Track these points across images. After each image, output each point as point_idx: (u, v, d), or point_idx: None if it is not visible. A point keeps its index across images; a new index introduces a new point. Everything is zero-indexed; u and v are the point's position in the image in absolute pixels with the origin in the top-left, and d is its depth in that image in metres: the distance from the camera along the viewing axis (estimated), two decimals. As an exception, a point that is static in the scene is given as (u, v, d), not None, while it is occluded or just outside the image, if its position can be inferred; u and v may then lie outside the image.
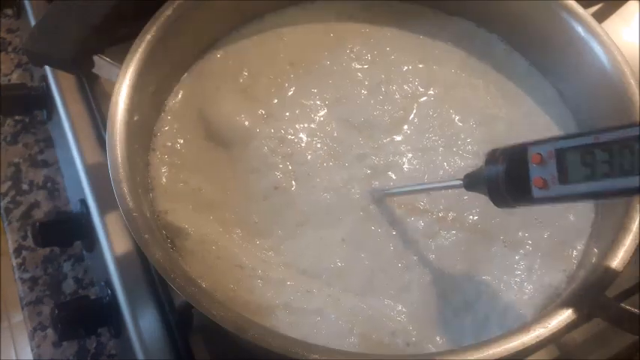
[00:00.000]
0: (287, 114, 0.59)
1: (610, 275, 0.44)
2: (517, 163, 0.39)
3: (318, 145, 0.57)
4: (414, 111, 0.60)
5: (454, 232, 0.52)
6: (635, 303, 0.51)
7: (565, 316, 0.42)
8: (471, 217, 0.53)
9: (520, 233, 0.53)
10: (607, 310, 0.44)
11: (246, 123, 0.57)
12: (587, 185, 0.36)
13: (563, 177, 0.37)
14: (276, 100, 0.60)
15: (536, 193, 0.38)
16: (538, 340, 0.41)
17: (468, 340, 0.46)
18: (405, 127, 0.59)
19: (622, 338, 0.55)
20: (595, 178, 0.35)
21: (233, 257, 0.50)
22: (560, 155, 0.37)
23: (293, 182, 0.55)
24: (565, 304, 0.43)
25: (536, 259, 0.51)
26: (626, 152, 0.33)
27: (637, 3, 0.77)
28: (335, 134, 0.58)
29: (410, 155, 0.57)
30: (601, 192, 0.35)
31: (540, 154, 0.38)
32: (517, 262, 0.51)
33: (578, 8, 0.57)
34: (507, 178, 0.40)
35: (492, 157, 0.42)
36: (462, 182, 0.45)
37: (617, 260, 0.44)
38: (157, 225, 0.50)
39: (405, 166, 0.56)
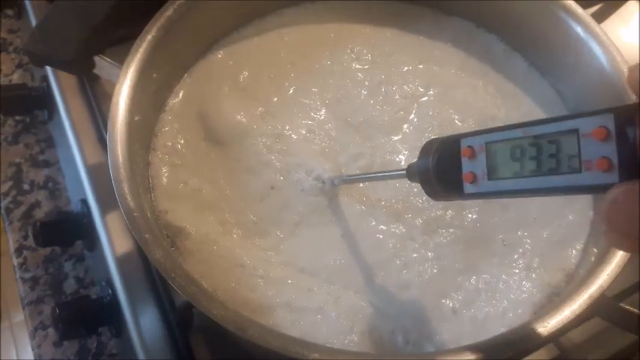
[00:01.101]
0: (287, 113, 0.59)
1: (609, 275, 0.44)
2: (450, 156, 0.37)
3: (315, 143, 0.57)
4: (414, 111, 0.60)
5: (452, 230, 0.53)
6: (634, 302, 0.51)
7: (564, 315, 0.42)
8: (470, 215, 0.53)
9: (519, 232, 0.53)
10: (606, 310, 0.44)
11: (246, 122, 0.58)
12: (515, 182, 0.33)
13: (492, 172, 0.35)
14: (275, 99, 0.60)
15: (467, 188, 0.36)
16: (538, 339, 0.41)
17: (467, 339, 0.46)
18: (405, 126, 0.59)
19: (621, 338, 0.55)
20: (523, 174, 0.33)
21: (234, 257, 0.50)
22: (490, 149, 0.35)
23: (288, 180, 0.55)
24: (564, 304, 0.43)
25: (535, 258, 0.51)
26: (553, 148, 0.31)
27: (636, 3, 0.77)
28: (333, 133, 0.58)
29: (407, 154, 0.57)
30: (528, 190, 0.33)
31: (472, 147, 0.36)
32: (516, 261, 0.51)
33: (578, 9, 0.57)
34: (438, 171, 0.38)
35: (427, 147, 0.40)
36: (405, 172, 0.43)
37: (616, 260, 0.44)
38: (157, 225, 0.50)
39: (403, 163, 0.56)
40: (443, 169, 0.38)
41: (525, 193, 0.33)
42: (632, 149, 0.26)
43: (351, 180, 0.54)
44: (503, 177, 0.34)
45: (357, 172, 0.56)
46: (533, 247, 0.52)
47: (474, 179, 0.36)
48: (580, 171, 0.29)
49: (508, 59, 0.64)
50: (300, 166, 0.55)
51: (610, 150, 0.27)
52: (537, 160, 0.32)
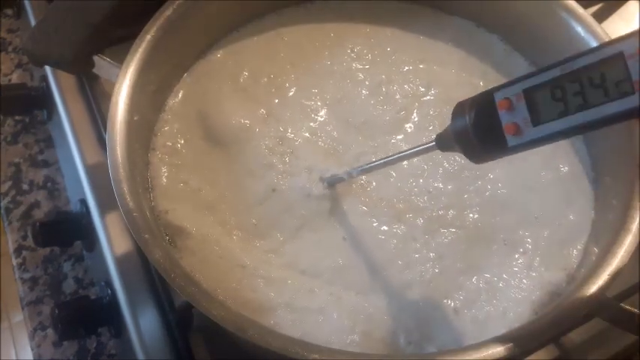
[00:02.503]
0: (287, 114, 0.59)
1: (610, 275, 0.44)
2: (485, 112, 0.37)
3: (319, 144, 0.57)
4: (415, 110, 0.60)
5: (454, 230, 0.52)
6: (634, 303, 0.51)
7: (565, 315, 0.42)
8: (471, 215, 0.53)
9: (520, 232, 0.53)
10: (607, 310, 0.44)
11: (247, 123, 0.57)
12: (563, 122, 0.33)
13: (536, 118, 0.34)
14: (276, 100, 0.60)
15: (510, 141, 0.36)
16: (538, 339, 0.40)
17: (468, 339, 0.46)
18: (406, 126, 0.59)
19: (621, 338, 0.55)
20: (569, 112, 0.33)
21: (234, 257, 0.50)
22: (529, 95, 0.35)
23: (291, 184, 0.54)
24: (565, 304, 0.43)
25: (536, 258, 0.51)
26: (597, 78, 0.31)
27: (636, 3, 0.77)
28: (335, 134, 0.58)
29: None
30: (578, 126, 0.33)
31: (508, 98, 0.35)
32: (517, 261, 0.51)
33: (578, 8, 0.57)
34: (477, 130, 0.37)
35: (459, 110, 0.39)
36: (434, 143, 0.42)
37: (617, 260, 0.44)
38: (157, 224, 0.50)
39: (405, 164, 0.56)
40: (481, 127, 0.37)
41: (575, 130, 0.33)
42: None
43: (371, 168, 0.51)
44: (549, 120, 0.34)
45: (368, 177, 0.55)
46: (534, 246, 0.52)
47: (516, 130, 0.35)
48: (633, 92, 0.29)
49: (508, 59, 0.64)
50: (304, 168, 0.55)
51: None
52: (582, 94, 0.32)
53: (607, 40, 0.53)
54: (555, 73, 0.33)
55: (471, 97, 0.38)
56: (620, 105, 0.30)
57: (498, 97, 0.36)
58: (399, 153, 0.49)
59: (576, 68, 0.32)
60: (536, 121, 0.34)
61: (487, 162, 0.39)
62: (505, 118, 0.36)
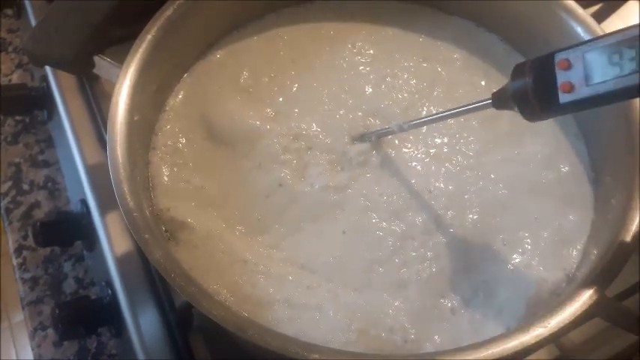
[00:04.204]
0: (295, 110, 0.59)
1: (610, 275, 0.44)
2: (544, 71, 0.40)
3: (328, 140, 0.57)
4: (419, 108, 0.60)
5: (452, 230, 0.53)
6: (634, 303, 0.51)
7: (565, 315, 0.42)
8: (471, 215, 0.53)
9: (520, 232, 0.53)
10: (607, 310, 0.44)
11: (256, 123, 0.57)
12: (615, 82, 0.36)
13: (590, 78, 0.38)
14: (281, 99, 0.60)
15: (562, 98, 0.39)
16: (538, 339, 0.41)
17: (466, 339, 0.46)
18: (433, 111, 0.59)
19: (622, 338, 0.55)
20: (622, 75, 0.36)
21: (236, 253, 0.50)
22: (587, 58, 0.38)
23: (299, 178, 0.55)
24: (565, 304, 0.43)
25: (535, 258, 0.51)
26: None
27: (636, 3, 0.77)
28: (346, 125, 0.58)
29: (413, 151, 0.57)
30: (628, 87, 0.36)
31: (568, 59, 0.39)
32: (516, 261, 0.51)
33: (578, 9, 0.57)
34: (535, 86, 0.40)
35: (519, 69, 0.42)
36: (490, 101, 0.45)
37: (617, 260, 0.44)
38: (157, 223, 0.50)
39: (408, 161, 0.57)
40: (540, 86, 0.40)
41: (625, 93, 0.37)
42: None
43: (422, 123, 0.54)
44: (602, 81, 0.37)
45: (376, 170, 0.56)
46: (533, 247, 0.52)
47: (571, 88, 0.38)
48: None
49: (509, 58, 0.64)
50: (321, 159, 0.56)
51: None
52: (637, 59, 0.35)
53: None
54: (616, 38, 0.37)
55: (529, 60, 0.42)
56: None
57: (558, 58, 0.39)
58: (451, 110, 0.50)
59: (635, 35, 0.35)
60: (589, 81, 0.38)
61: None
62: (561, 77, 0.39)
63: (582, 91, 0.38)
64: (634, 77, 0.36)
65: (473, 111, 0.48)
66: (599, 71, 0.37)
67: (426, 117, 0.54)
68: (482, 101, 0.46)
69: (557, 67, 0.39)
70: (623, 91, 0.37)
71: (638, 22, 0.36)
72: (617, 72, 0.36)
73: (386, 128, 0.56)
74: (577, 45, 0.39)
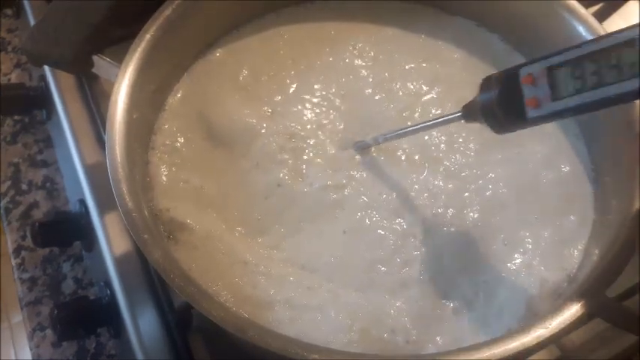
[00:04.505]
0: (292, 110, 0.59)
1: (610, 275, 0.44)
2: (510, 86, 0.40)
3: (326, 141, 0.57)
4: (418, 109, 0.60)
5: (453, 229, 0.52)
6: (635, 303, 0.51)
7: (565, 316, 0.42)
8: (471, 214, 0.53)
9: (520, 232, 0.53)
10: (607, 311, 0.44)
11: (252, 121, 0.57)
12: (579, 98, 0.36)
13: (556, 93, 0.37)
14: (279, 97, 0.60)
15: (530, 113, 0.39)
16: (538, 340, 0.40)
17: (467, 339, 0.46)
18: (409, 124, 0.59)
19: (622, 338, 0.55)
20: (585, 90, 0.36)
21: (236, 253, 0.50)
22: (552, 72, 0.38)
23: (297, 178, 0.55)
24: (565, 305, 0.43)
25: (536, 258, 0.51)
26: (614, 60, 0.34)
27: (637, 3, 0.77)
28: (342, 127, 0.58)
29: (411, 150, 0.57)
30: (592, 102, 0.36)
31: (532, 74, 0.38)
32: (517, 261, 0.51)
33: (580, 8, 0.57)
34: (501, 102, 0.40)
35: (487, 83, 0.42)
36: (460, 113, 0.45)
37: (618, 260, 0.44)
38: (156, 223, 0.50)
39: (405, 160, 0.56)
40: (505, 100, 0.40)
41: (589, 106, 0.36)
42: None
43: (396, 135, 0.54)
44: (567, 95, 0.37)
45: (370, 172, 0.56)
46: (534, 246, 0.52)
47: (537, 103, 0.38)
48: None
49: (509, 58, 0.64)
50: (315, 160, 0.56)
51: None
52: (598, 74, 0.35)
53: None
54: (577, 52, 0.36)
55: (498, 72, 0.42)
56: (632, 84, 0.34)
57: (523, 73, 0.39)
58: (425, 122, 0.51)
59: (595, 49, 0.35)
60: (555, 96, 0.38)
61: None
62: (527, 92, 0.39)
63: (548, 107, 0.38)
64: (598, 92, 0.35)
65: (444, 124, 0.50)
66: (563, 86, 0.37)
67: (397, 130, 0.54)
68: (452, 114, 0.47)
69: (522, 82, 0.39)
70: (588, 105, 0.36)
71: (598, 36, 0.36)
72: (580, 86, 0.36)
73: (362, 141, 0.56)
74: (541, 58, 0.39)
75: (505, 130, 0.42)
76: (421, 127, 0.52)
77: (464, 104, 0.45)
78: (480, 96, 0.42)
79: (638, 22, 0.33)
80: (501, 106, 0.41)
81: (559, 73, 0.37)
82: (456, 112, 0.46)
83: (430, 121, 0.51)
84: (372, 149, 0.57)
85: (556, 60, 0.38)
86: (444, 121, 0.49)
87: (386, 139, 0.54)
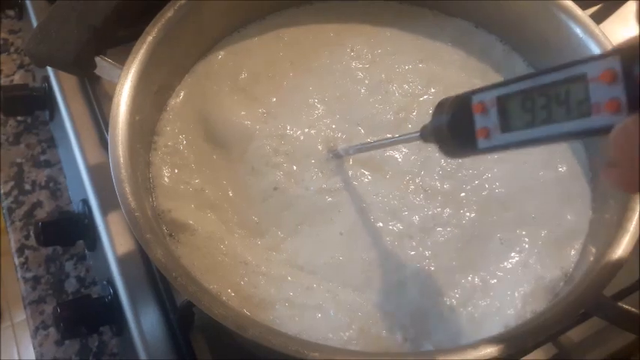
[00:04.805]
0: (286, 112, 0.59)
1: (607, 274, 0.44)
2: (462, 113, 0.38)
3: (319, 141, 0.57)
4: (414, 110, 0.60)
5: (450, 229, 0.53)
6: (632, 302, 0.52)
7: (563, 314, 0.42)
8: (468, 214, 0.54)
9: (517, 231, 0.53)
10: (605, 309, 0.44)
11: (247, 123, 0.58)
12: (528, 132, 0.34)
13: (505, 125, 0.35)
14: (274, 99, 0.60)
15: (480, 143, 0.37)
16: (535, 338, 0.41)
17: (465, 337, 0.47)
18: (405, 125, 0.59)
19: (620, 337, 0.55)
20: (535, 124, 0.34)
21: (237, 254, 0.51)
22: (502, 103, 0.35)
23: (292, 181, 0.55)
24: (563, 303, 0.44)
25: (533, 257, 0.51)
26: (562, 95, 0.32)
27: (634, 3, 0.78)
28: (335, 131, 0.58)
29: (406, 151, 0.57)
30: (541, 138, 0.34)
31: (483, 102, 0.36)
32: (514, 260, 0.51)
33: (577, 9, 0.57)
34: (453, 128, 0.39)
35: (440, 107, 0.40)
36: (419, 134, 0.44)
37: (615, 259, 0.44)
38: (158, 223, 0.50)
39: (402, 161, 0.57)
40: (457, 127, 0.38)
41: (537, 142, 0.34)
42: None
43: (364, 148, 0.55)
44: (516, 129, 0.35)
45: (362, 168, 0.56)
46: (531, 245, 0.52)
47: (487, 134, 0.36)
48: (590, 115, 0.30)
49: (507, 59, 0.64)
50: (306, 164, 0.56)
51: (618, 91, 0.28)
52: (548, 108, 0.33)
53: (606, 42, 0.54)
54: (528, 84, 0.34)
55: (453, 96, 0.40)
56: (579, 124, 0.31)
57: (475, 101, 0.37)
58: (386, 139, 0.53)
59: (546, 82, 0.33)
60: (504, 128, 0.35)
61: (459, 158, 0.41)
62: (478, 122, 0.37)
63: (498, 138, 0.36)
64: (547, 128, 0.33)
65: (404, 142, 0.51)
66: (513, 118, 0.35)
67: (363, 144, 0.55)
68: (412, 134, 0.46)
69: (474, 111, 0.37)
70: (539, 140, 0.34)
71: (548, 68, 0.33)
72: (530, 119, 0.34)
73: (335, 150, 0.56)
74: (493, 86, 0.36)
75: (456, 156, 0.41)
76: (383, 144, 0.54)
77: (423, 124, 0.43)
78: (432, 120, 0.41)
79: (592, 55, 0.30)
80: (452, 133, 0.39)
81: (509, 104, 0.35)
82: (415, 132, 0.44)
83: (392, 138, 0.53)
84: (366, 153, 0.57)
85: (506, 90, 0.35)
86: (404, 139, 0.50)
87: (355, 150, 0.54)
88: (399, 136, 0.52)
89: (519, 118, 0.34)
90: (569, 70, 0.31)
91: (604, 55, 0.29)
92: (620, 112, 0.28)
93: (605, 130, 0.29)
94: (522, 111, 0.34)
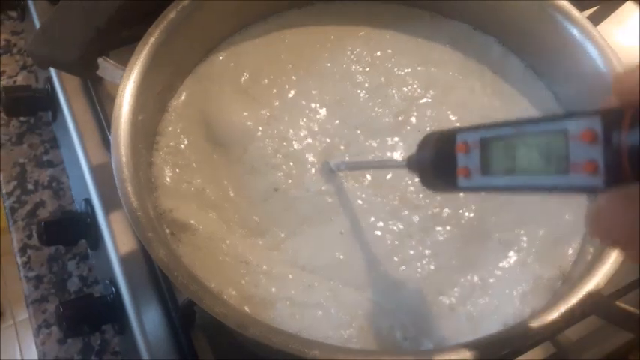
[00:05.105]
0: (288, 115, 0.60)
1: (605, 273, 0.44)
2: (447, 150, 0.37)
3: (319, 145, 0.58)
4: (414, 112, 0.61)
5: (449, 228, 0.53)
6: (629, 301, 0.52)
7: (560, 313, 0.42)
8: (467, 214, 0.54)
9: (515, 230, 0.53)
10: (602, 308, 0.45)
11: (248, 124, 0.58)
12: (507, 179, 0.33)
13: (486, 168, 0.34)
14: (277, 102, 0.61)
15: (461, 182, 0.36)
16: (533, 337, 0.41)
17: (464, 335, 0.47)
18: (404, 127, 0.60)
19: (618, 336, 0.55)
20: (515, 172, 0.32)
21: (238, 254, 0.51)
22: (484, 145, 0.35)
23: (293, 183, 0.56)
24: (560, 302, 0.44)
25: (531, 256, 0.52)
26: (543, 148, 0.30)
27: (632, 5, 0.78)
28: (335, 134, 0.59)
29: (406, 153, 0.57)
30: (518, 187, 0.33)
31: (466, 142, 0.36)
32: (512, 259, 0.52)
33: (574, 11, 0.57)
34: (436, 164, 0.39)
35: (426, 140, 0.40)
36: (405, 163, 0.44)
37: (612, 258, 0.45)
38: (160, 223, 0.50)
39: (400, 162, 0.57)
40: (440, 163, 0.38)
41: (516, 190, 0.33)
42: (618, 154, 0.26)
43: (353, 166, 0.56)
44: (496, 173, 0.34)
45: (364, 176, 0.57)
46: (529, 244, 0.53)
47: (467, 174, 0.36)
48: (567, 172, 0.29)
49: (505, 61, 0.64)
50: (306, 167, 0.56)
51: (596, 153, 0.27)
52: (528, 158, 0.31)
53: (603, 43, 0.55)
54: (511, 131, 0.33)
55: (439, 131, 0.40)
56: (557, 180, 0.30)
57: (459, 140, 0.37)
58: (375, 162, 0.57)
59: (529, 131, 0.32)
60: (484, 171, 0.35)
61: (438, 193, 0.42)
62: (460, 161, 0.36)
63: (478, 180, 0.35)
64: (526, 177, 0.32)
65: (391, 167, 0.56)
66: (494, 162, 0.34)
67: (355, 162, 0.57)
68: (399, 162, 0.46)
69: (457, 149, 0.36)
70: (518, 188, 0.33)
71: (533, 117, 0.31)
72: (510, 166, 0.33)
73: (328, 162, 0.57)
74: (477, 128, 0.36)
75: (437, 191, 0.41)
76: (372, 165, 0.58)
77: (409, 155, 0.43)
78: (417, 153, 0.41)
79: (577, 111, 0.28)
80: (435, 168, 0.39)
81: (492, 148, 0.34)
82: (402, 162, 0.44)
83: (381, 161, 0.58)
84: (366, 154, 0.58)
85: (489, 133, 0.34)
86: (391, 165, 0.55)
87: (347, 166, 0.55)
88: (388, 161, 0.57)
89: (500, 164, 0.33)
90: (552, 124, 0.30)
91: (587, 114, 0.27)
92: (597, 175, 0.27)
93: (582, 191, 0.29)
94: (504, 157, 0.33)
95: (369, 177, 0.56)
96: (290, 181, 0.56)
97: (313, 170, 0.56)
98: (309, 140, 0.58)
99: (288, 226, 0.54)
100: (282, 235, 0.53)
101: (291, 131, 0.58)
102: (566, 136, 0.29)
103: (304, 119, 0.60)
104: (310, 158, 0.57)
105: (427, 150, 0.39)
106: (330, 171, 0.56)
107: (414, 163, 0.42)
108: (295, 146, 0.58)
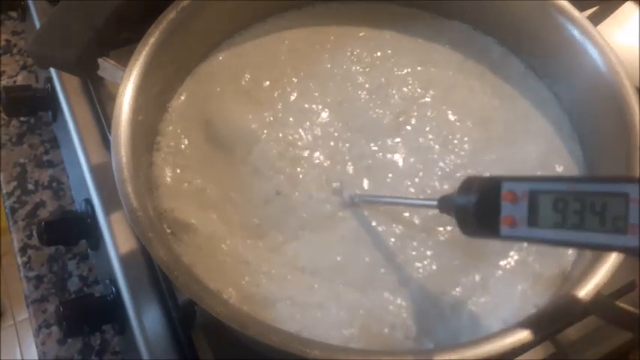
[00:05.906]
0: (292, 119, 0.60)
1: (605, 273, 0.44)
2: (490, 197, 0.38)
3: (323, 148, 0.58)
4: (414, 113, 0.61)
5: (450, 228, 0.53)
6: (629, 300, 0.52)
7: (561, 313, 0.42)
8: (467, 214, 0.54)
9: (515, 231, 0.53)
10: (602, 308, 0.45)
11: (253, 126, 0.58)
12: (555, 232, 0.34)
13: (533, 220, 0.35)
14: (280, 105, 0.60)
15: (503, 231, 0.37)
16: (534, 336, 0.41)
17: (465, 335, 0.47)
18: (405, 128, 0.60)
19: (617, 336, 0.55)
20: (564, 226, 0.34)
21: (238, 254, 0.51)
22: (533, 197, 0.35)
23: (295, 186, 0.55)
24: (560, 302, 0.44)
25: (531, 256, 0.52)
26: (599, 207, 0.32)
27: (632, 5, 0.78)
28: (337, 137, 0.59)
29: (405, 154, 0.58)
30: (567, 242, 0.34)
31: (514, 192, 0.36)
32: (513, 258, 0.52)
33: (574, 11, 0.57)
34: (477, 211, 0.38)
35: (467, 185, 0.40)
36: (437, 203, 0.44)
37: (612, 258, 0.44)
38: (160, 223, 0.50)
39: (402, 164, 0.57)
40: (482, 210, 0.38)
41: (563, 243, 0.35)
42: None
43: (374, 201, 0.54)
44: (544, 226, 0.35)
45: (364, 173, 0.57)
46: (529, 245, 0.52)
47: (512, 223, 0.36)
48: (625, 233, 0.30)
49: (505, 61, 0.64)
50: (310, 172, 0.56)
51: None
52: (581, 215, 0.33)
53: (603, 44, 0.55)
54: (565, 187, 0.34)
55: (481, 177, 0.40)
56: (611, 239, 0.31)
57: (505, 189, 0.37)
58: (401, 199, 0.54)
59: (584, 190, 0.33)
60: (532, 223, 0.35)
61: (476, 238, 0.41)
62: (506, 210, 0.37)
63: (523, 231, 0.36)
64: (576, 233, 0.33)
65: (419, 206, 0.52)
66: (543, 215, 0.35)
67: (377, 196, 0.55)
68: (429, 201, 0.46)
69: (502, 198, 0.37)
70: (565, 243, 0.34)
71: (588, 176, 0.34)
72: (560, 221, 0.34)
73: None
74: (527, 179, 0.36)
75: (475, 236, 0.40)
76: (395, 202, 0.54)
77: (442, 195, 0.43)
78: (457, 197, 0.40)
79: (634, 177, 0.31)
80: (476, 215, 0.38)
81: (541, 200, 0.35)
82: (433, 201, 0.44)
83: (406, 199, 0.54)
84: (367, 157, 0.57)
85: (542, 187, 0.35)
86: (420, 204, 0.52)
87: (364, 200, 0.54)
88: (416, 200, 0.53)
89: (549, 217, 0.34)
90: (611, 186, 0.32)
91: None
92: None
93: (637, 252, 0.30)
94: (553, 210, 0.34)
95: (369, 178, 0.56)
96: (293, 186, 0.55)
97: (318, 176, 0.56)
98: (314, 144, 0.58)
99: (289, 230, 0.53)
100: (282, 238, 0.53)
101: (295, 135, 0.58)
102: (627, 198, 0.31)
103: (307, 123, 0.60)
104: (315, 162, 0.57)
105: (470, 195, 0.39)
106: (349, 200, 0.54)
107: (450, 207, 0.41)
108: (300, 151, 0.57)
